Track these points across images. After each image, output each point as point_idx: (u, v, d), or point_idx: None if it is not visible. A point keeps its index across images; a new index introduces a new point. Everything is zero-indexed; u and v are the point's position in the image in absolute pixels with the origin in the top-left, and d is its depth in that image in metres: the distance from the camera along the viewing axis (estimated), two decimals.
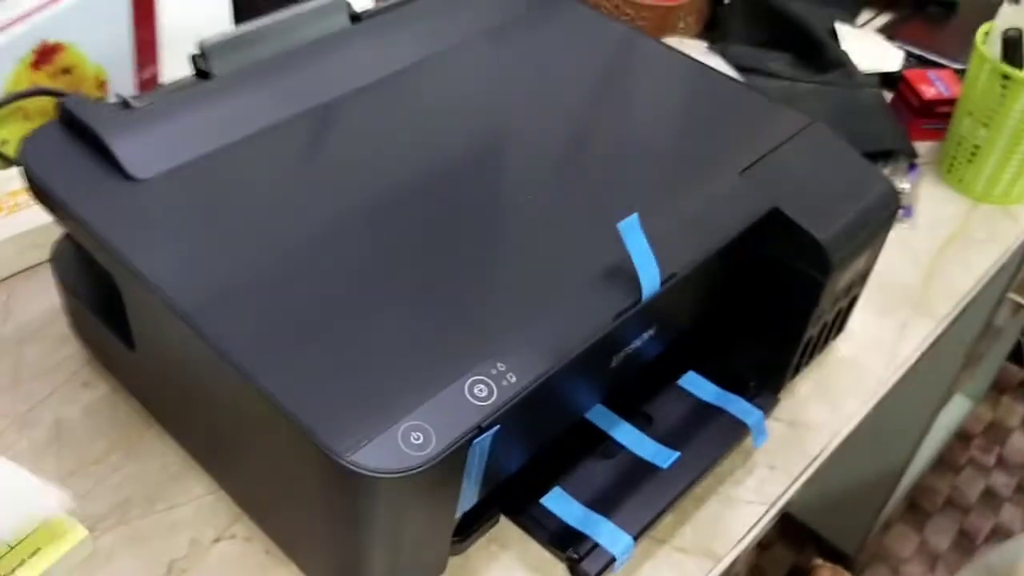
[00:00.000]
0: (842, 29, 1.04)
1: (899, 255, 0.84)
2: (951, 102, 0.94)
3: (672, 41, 0.99)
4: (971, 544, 1.69)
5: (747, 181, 0.62)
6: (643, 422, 0.63)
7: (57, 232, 0.67)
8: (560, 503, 0.57)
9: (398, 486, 0.45)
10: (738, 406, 0.63)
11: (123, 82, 0.83)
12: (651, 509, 0.57)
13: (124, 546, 0.58)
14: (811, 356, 0.70)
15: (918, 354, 0.76)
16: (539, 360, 0.50)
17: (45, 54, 0.77)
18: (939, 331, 0.78)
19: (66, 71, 0.79)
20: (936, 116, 0.95)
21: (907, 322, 0.78)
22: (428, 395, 0.47)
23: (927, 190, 0.91)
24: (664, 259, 0.55)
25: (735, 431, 0.62)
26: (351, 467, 0.44)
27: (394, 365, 0.48)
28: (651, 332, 0.58)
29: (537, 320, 0.51)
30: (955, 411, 1.84)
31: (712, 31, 1.03)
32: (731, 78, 0.72)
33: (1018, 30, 0.82)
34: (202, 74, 0.64)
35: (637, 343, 0.57)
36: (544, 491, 0.58)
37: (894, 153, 0.90)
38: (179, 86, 0.64)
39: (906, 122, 0.96)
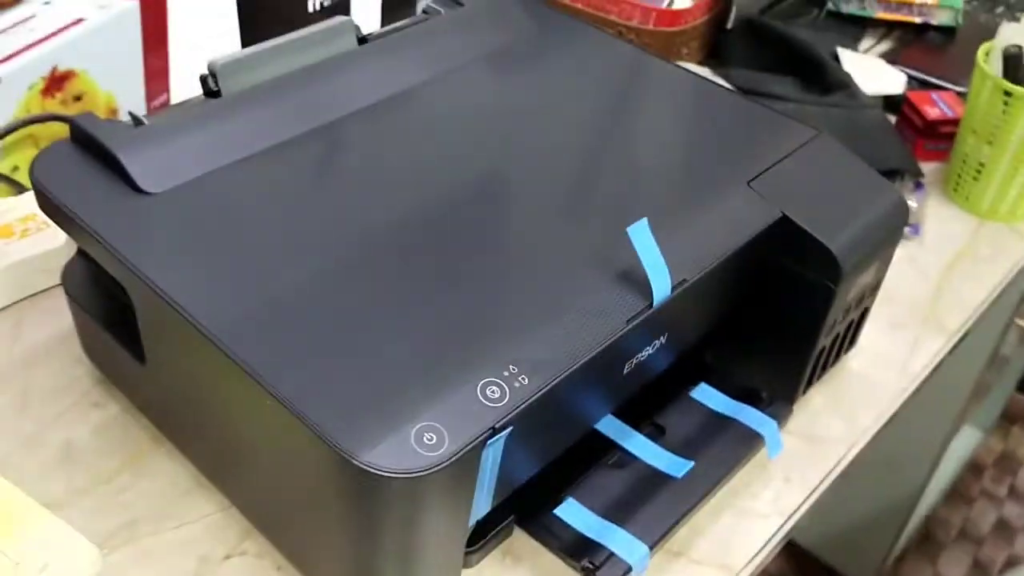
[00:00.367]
0: (844, 54, 1.05)
1: (907, 272, 0.84)
2: (955, 122, 0.94)
3: None
4: (985, 575, 1.67)
5: (755, 190, 0.62)
6: (655, 433, 0.62)
7: (67, 257, 0.67)
8: (574, 513, 0.57)
9: (412, 488, 0.45)
10: (751, 416, 0.63)
11: (134, 110, 0.84)
12: (667, 519, 0.56)
13: (133, 564, 0.58)
14: (824, 369, 0.70)
15: (930, 369, 0.75)
16: (551, 363, 0.49)
17: (56, 81, 0.78)
18: (950, 346, 0.78)
19: (77, 98, 0.80)
20: (940, 137, 0.96)
21: (918, 337, 0.77)
22: (441, 397, 0.47)
23: (933, 209, 0.92)
24: (674, 265, 0.55)
25: (749, 441, 0.62)
26: (365, 467, 0.44)
27: (406, 367, 0.48)
28: (662, 340, 0.57)
29: (549, 324, 0.51)
30: (965, 442, 1.82)
31: (715, 57, 1.04)
32: (737, 94, 0.72)
33: (1018, 47, 0.83)
34: (211, 94, 0.65)
35: (649, 351, 0.57)
36: (557, 502, 0.57)
37: (900, 172, 0.90)
38: (189, 105, 0.65)
39: (910, 143, 0.97)
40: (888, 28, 1.17)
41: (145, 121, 0.62)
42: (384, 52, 0.71)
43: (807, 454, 0.67)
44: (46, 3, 0.78)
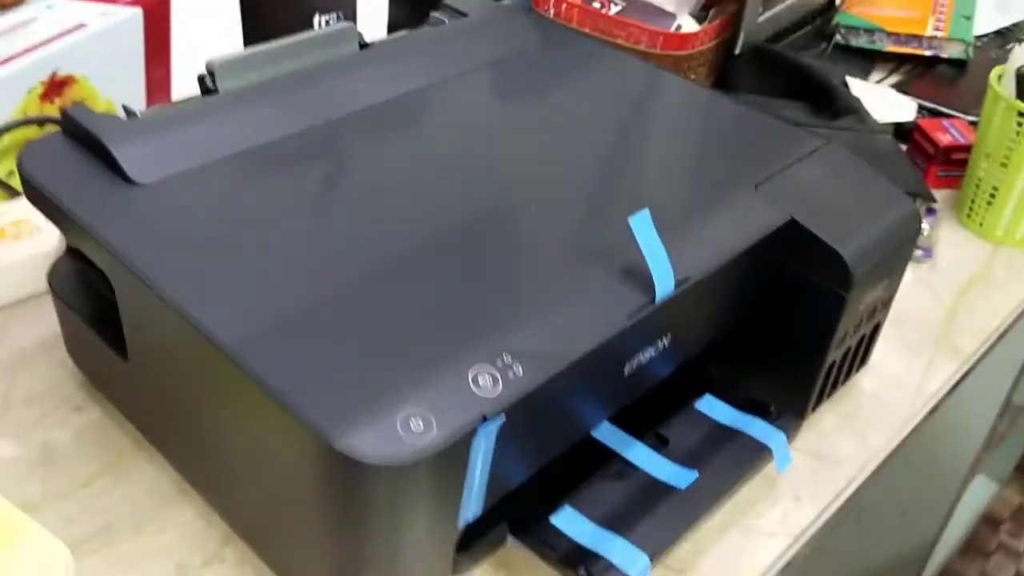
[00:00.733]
0: (854, 82, 1.04)
1: (920, 295, 0.81)
2: (966, 149, 0.93)
3: None
4: None
5: (762, 194, 0.60)
6: (658, 444, 0.59)
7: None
8: (571, 522, 0.54)
9: (396, 477, 0.42)
10: (759, 428, 0.60)
11: None
12: (670, 530, 0.53)
13: (108, 569, 0.55)
14: (834, 386, 0.67)
15: (945, 391, 0.72)
16: (549, 355, 0.47)
17: (55, 86, 0.77)
18: (965, 369, 0.75)
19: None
20: (952, 163, 0.94)
21: (932, 359, 0.75)
22: (430, 383, 0.44)
23: (946, 235, 0.90)
24: (679, 263, 0.53)
25: (757, 453, 0.59)
26: (345, 453, 0.41)
27: (394, 352, 0.46)
28: (665, 342, 0.55)
29: (547, 315, 0.49)
30: (979, 493, 1.77)
31: (723, 83, 1.03)
32: (744, 106, 0.71)
33: None
34: (208, 92, 0.64)
35: (651, 352, 0.54)
36: (553, 510, 0.54)
37: (912, 196, 0.88)
38: (184, 102, 0.63)
39: (922, 171, 0.95)
40: (898, 62, 1.17)
41: (138, 114, 0.61)
42: (385, 57, 0.70)
43: (817, 473, 0.64)
44: (48, 7, 0.77)
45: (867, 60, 1.16)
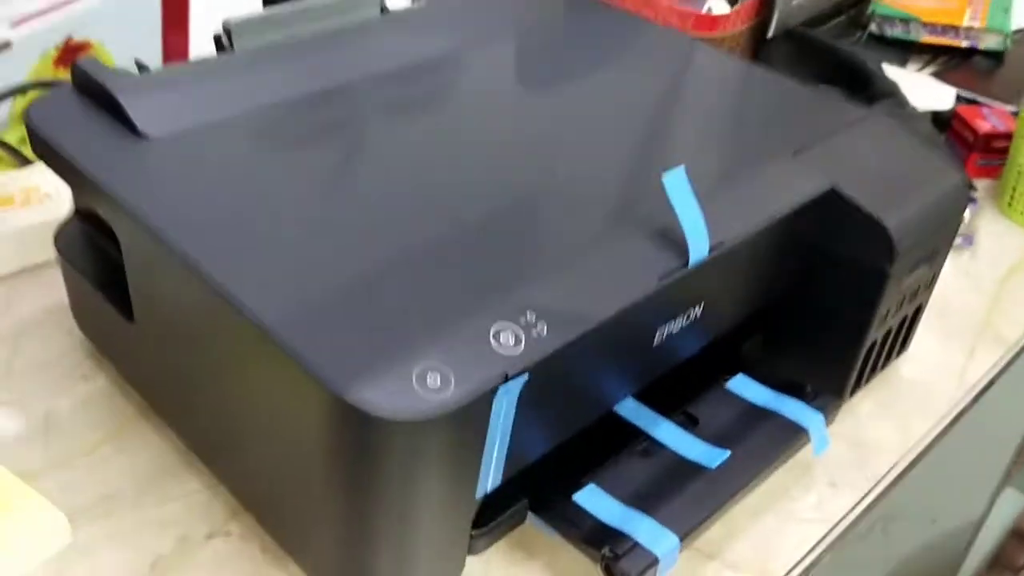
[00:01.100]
0: (890, 69, 1.01)
1: (961, 283, 0.78)
2: (1007, 136, 0.89)
3: None
4: None
5: (801, 161, 0.57)
6: (687, 422, 0.56)
7: None
8: (595, 500, 0.51)
9: (411, 435, 0.39)
10: (795, 408, 0.57)
11: None
12: (700, 510, 0.50)
13: (106, 540, 0.52)
14: (873, 370, 0.64)
15: (989, 379, 0.69)
16: (575, 315, 0.44)
17: (70, 51, 0.75)
18: (1010, 357, 0.71)
19: None
20: (992, 151, 0.91)
21: (975, 347, 0.71)
22: (449, 337, 0.41)
23: (986, 224, 0.86)
24: (714, 227, 0.50)
25: (792, 434, 0.56)
26: (357, 407, 0.38)
27: (412, 305, 0.43)
28: (697, 312, 0.52)
29: (575, 275, 0.46)
30: (1009, 507, 1.72)
31: None
32: (782, 76, 0.68)
33: None
34: (224, 52, 0.62)
35: (682, 321, 0.51)
36: (577, 488, 0.51)
37: None
38: (199, 59, 0.61)
39: (961, 159, 0.92)
40: (933, 53, 1.13)
41: (151, 69, 0.59)
42: (407, 22, 0.68)
43: (855, 460, 0.61)
44: None
45: (902, 51, 1.12)
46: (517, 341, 0.42)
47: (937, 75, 1.08)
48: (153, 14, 0.78)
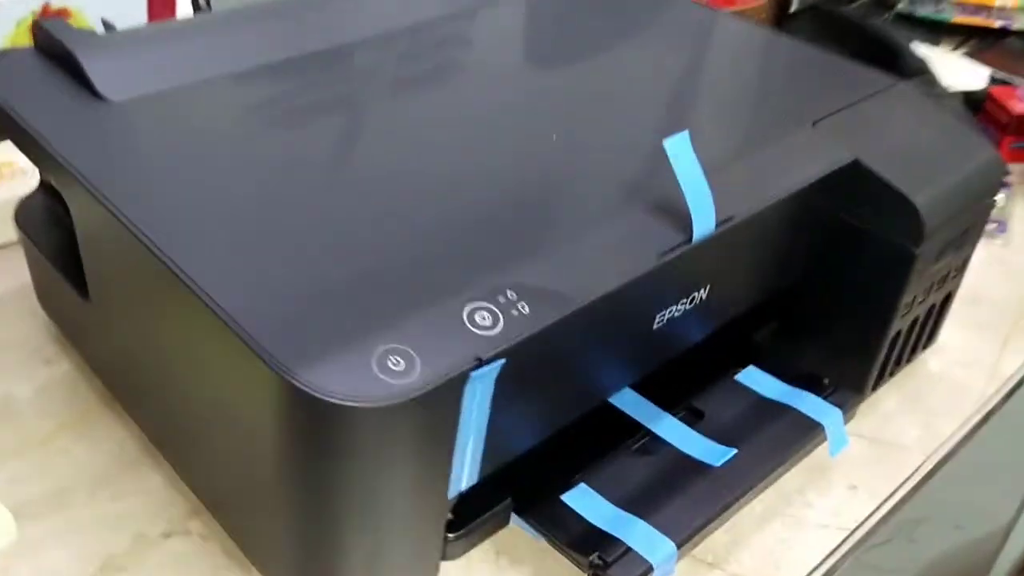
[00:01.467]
0: (920, 47, 0.95)
1: (994, 271, 0.72)
2: None
3: None
4: None
5: (821, 132, 0.52)
6: (691, 417, 0.51)
7: None
8: (586, 501, 0.46)
9: (370, 423, 0.35)
10: (810, 403, 0.52)
11: None
12: (700, 513, 0.45)
13: (55, 536, 0.48)
14: (898, 363, 0.58)
15: (1020, 375, 0.63)
16: (561, 294, 0.39)
17: (48, 18, 0.71)
18: None
19: None
20: None
21: (1008, 338, 0.66)
22: (417, 317, 0.37)
23: (1021, 209, 0.80)
24: (722, 201, 0.45)
25: (807, 431, 0.50)
26: (309, 392, 0.34)
27: (380, 284, 0.38)
28: (702, 295, 0.47)
29: (566, 252, 0.41)
30: None
31: None
32: (805, 44, 0.63)
33: None
34: (200, 11, 0.57)
35: (685, 305, 0.46)
36: (567, 488, 0.47)
37: None
38: (173, 20, 0.57)
39: (993, 142, 0.86)
40: (965, 34, 1.07)
41: (117, 28, 0.54)
42: None
43: (876, 460, 0.55)
44: None
45: (932, 32, 1.07)
46: (494, 322, 0.38)
47: (970, 55, 1.02)
48: None
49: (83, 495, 0.50)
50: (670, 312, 0.46)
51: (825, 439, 0.51)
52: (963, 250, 0.56)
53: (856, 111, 0.54)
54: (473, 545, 0.46)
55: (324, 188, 0.44)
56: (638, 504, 0.46)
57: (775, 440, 0.50)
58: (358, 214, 0.42)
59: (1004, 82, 0.95)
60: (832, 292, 0.55)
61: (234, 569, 0.47)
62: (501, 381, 0.38)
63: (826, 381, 0.54)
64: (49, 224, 0.56)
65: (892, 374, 0.59)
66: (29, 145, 0.47)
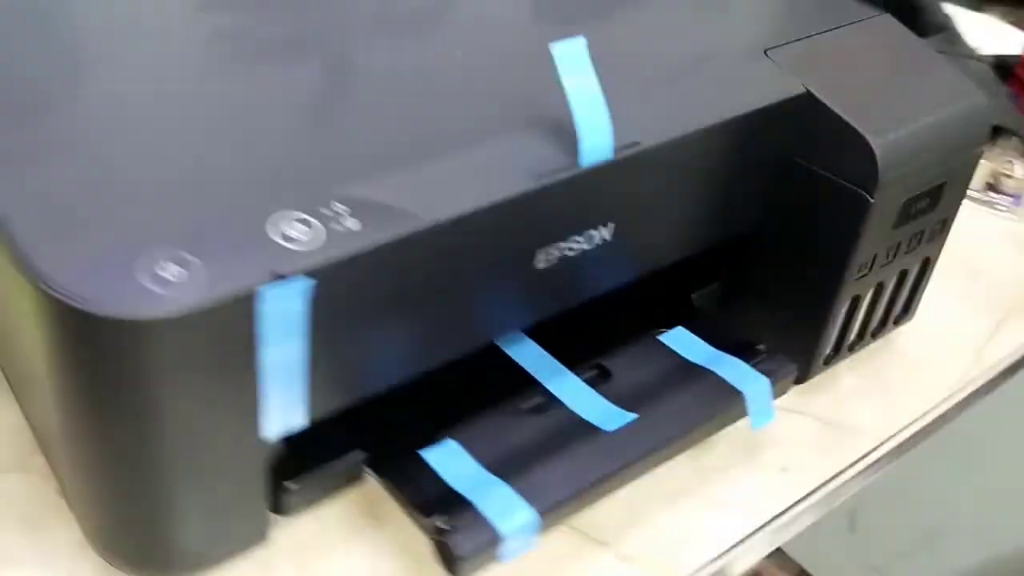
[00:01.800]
0: (948, 6, 0.86)
1: (1003, 247, 0.64)
2: None
3: None
4: None
5: (773, 59, 0.45)
6: (598, 378, 0.45)
7: None
8: (449, 459, 0.40)
9: (137, 337, 0.29)
10: (734, 369, 0.45)
11: None
12: (575, 482, 0.39)
13: None
14: (861, 336, 0.51)
15: (1011, 360, 0.56)
16: (405, 212, 0.34)
17: None
18: None
19: None
20: None
21: (1003, 321, 0.58)
22: (209, 224, 0.31)
23: None
24: (628, 123, 0.38)
25: (724, 399, 0.44)
26: (58, 296, 0.29)
27: (178, 188, 0.33)
28: (605, 234, 0.41)
29: (422, 168, 0.35)
30: None
31: None
32: None
33: None
34: None
35: (580, 243, 0.40)
36: (431, 444, 0.41)
37: (1003, 132, 0.71)
38: None
39: (1022, 109, 0.77)
40: (1016, 3, 0.97)
41: None
42: None
43: (821, 442, 0.49)
44: None
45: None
46: (311, 237, 0.32)
47: (1013, 25, 0.92)
48: None
49: None
50: (560, 251, 0.40)
51: (746, 410, 0.44)
52: (939, 209, 0.49)
53: (820, 40, 0.47)
54: (317, 501, 0.41)
55: (151, 90, 0.38)
56: (508, 467, 0.40)
57: (684, 407, 0.43)
58: (180, 123, 0.36)
59: None
60: (781, 248, 0.48)
61: (65, 510, 0.42)
62: (326, 307, 0.33)
63: (760, 347, 0.47)
64: None
65: (853, 349, 0.52)
66: None
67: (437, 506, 0.38)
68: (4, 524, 0.41)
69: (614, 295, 0.47)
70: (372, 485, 0.42)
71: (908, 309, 0.54)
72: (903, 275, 0.51)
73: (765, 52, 0.45)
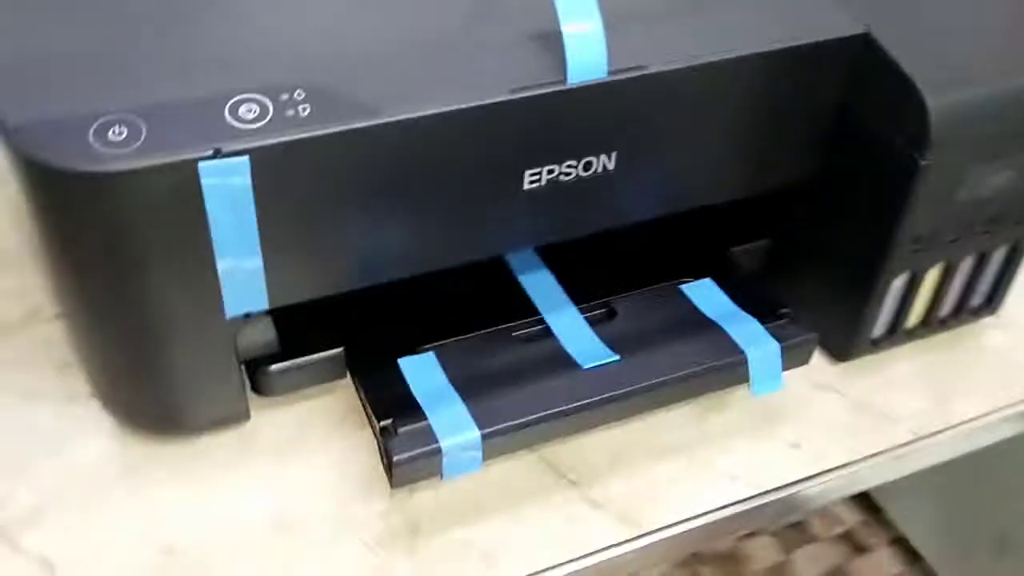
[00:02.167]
0: None
1: None
2: None
3: None
4: None
5: None
6: (601, 316, 0.44)
7: None
8: (421, 369, 0.40)
9: (89, 191, 0.32)
10: (745, 329, 0.42)
11: None
12: (531, 410, 0.38)
13: None
14: (927, 323, 0.46)
15: None
16: (363, 105, 0.34)
17: None
18: None
19: None
20: None
21: None
22: (170, 93, 0.33)
23: None
24: (644, 44, 0.37)
25: (721, 357, 0.41)
26: (20, 150, 0.31)
27: (150, 59, 0.34)
28: (608, 164, 0.39)
29: (392, 67, 0.35)
30: None
31: None
32: None
33: None
34: None
35: (577, 170, 0.38)
36: (410, 353, 0.41)
37: None
38: None
39: None
40: None
41: None
42: None
43: (846, 425, 0.44)
44: None
45: None
46: (260, 117, 0.33)
47: None
48: None
49: None
50: (551, 174, 0.38)
51: (746, 373, 0.41)
52: None
53: None
54: (296, 387, 0.42)
55: None
56: (473, 387, 0.39)
57: (674, 359, 0.41)
58: (163, 5, 0.38)
59: None
60: (827, 208, 0.44)
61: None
62: (279, 191, 0.34)
63: (784, 311, 0.43)
64: None
65: (914, 335, 0.47)
66: None
67: (393, 411, 0.38)
68: (41, 366, 0.45)
69: (647, 238, 0.45)
70: None
71: (992, 300, 0.48)
72: (982, 259, 0.45)
73: None
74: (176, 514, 0.40)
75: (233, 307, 0.37)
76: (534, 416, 0.38)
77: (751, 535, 1.08)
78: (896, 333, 0.46)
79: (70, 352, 0.45)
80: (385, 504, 0.40)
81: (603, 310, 0.44)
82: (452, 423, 0.37)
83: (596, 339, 0.42)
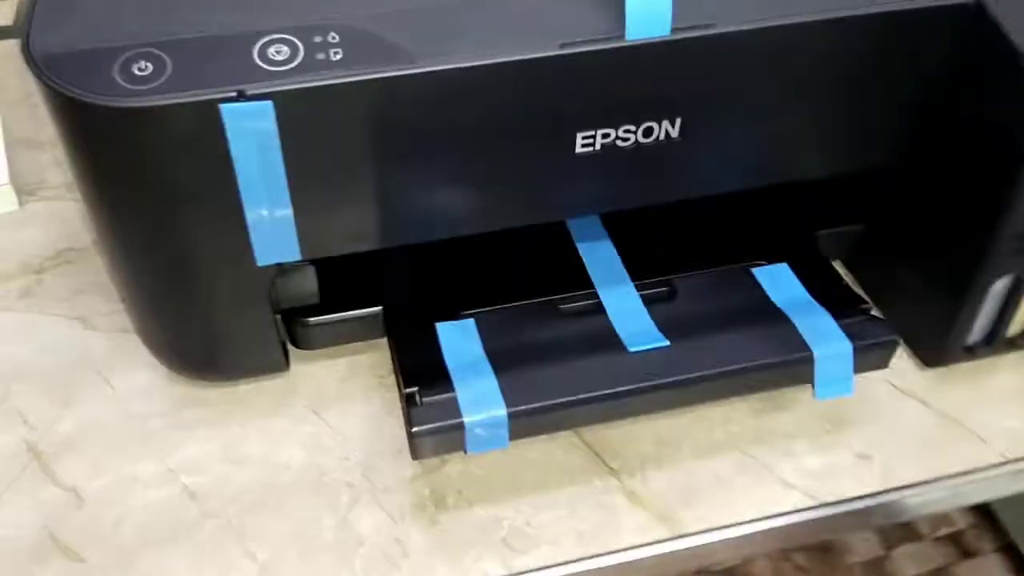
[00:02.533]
0: None
1: None
2: None
3: None
4: None
5: None
6: (661, 295, 0.40)
7: None
8: (457, 336, 0.38)
9: (110, 126, 0.31)
10: (816, 322, 0.38)
11: None
12: (565, 391, 0.36)
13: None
14: None
15: None
16: (403, 51, 0.32)
17: None
18: None
19: None
20: None
21: None
22: (192, 30, 0.32)
23: None
24: (714, 6, 0.33)
25: (784, 353, 0.37)
26: (49, 83, 0.31)
27: (179, 7, 0.33)
28: (672, 131, 0.36)
29: (437, 16, 0.33)
30: None
31: None
32: None
33: None
34: None
35: (636, 135, 0.35)
36: (450, 319, 0.39)
37: None
38: None
39: None
40: None
41: None
42: None
43: (929, 438, 0.40)
44: None
45: None
46: (290, 59, 0.31)
47: None
48: None
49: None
50: (606, 139, 0.35)
51: (811, 373, 0.37)
52: None
53: None
54: (334, 342, 0.41)
55: None
56: (509, 361, 0.37)
57: (730, 350, 0.37)
58: None
59: None
60: (924, 198, 0.39)
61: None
62: (311, 135, 0.32)
63: (865, 307, 0.39)
64: None
65: (1016, 344, 0.42)
66: None
67: (422, 378, 0.36)
68: (107, 295, 0.46)
69: (721, 214, 0.42)
70: None
71: None
72: None
73: None
74: (206, 457, 0.39)
75: (264, 256, 0.36)
76: (566, 399, 0.36)
77: None
78: (995, 341, 0.41)
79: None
80: (413, 471, 0.39)
81: (663, 289, 0.41)
82: (480, 398, 0.35)
83: (649, 320, 0.39)
